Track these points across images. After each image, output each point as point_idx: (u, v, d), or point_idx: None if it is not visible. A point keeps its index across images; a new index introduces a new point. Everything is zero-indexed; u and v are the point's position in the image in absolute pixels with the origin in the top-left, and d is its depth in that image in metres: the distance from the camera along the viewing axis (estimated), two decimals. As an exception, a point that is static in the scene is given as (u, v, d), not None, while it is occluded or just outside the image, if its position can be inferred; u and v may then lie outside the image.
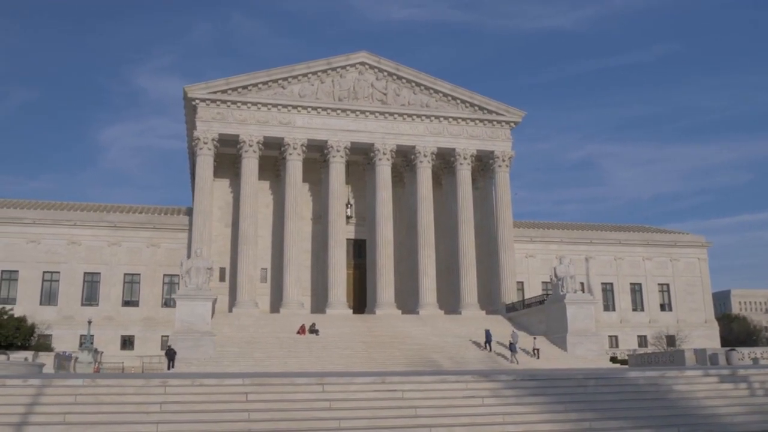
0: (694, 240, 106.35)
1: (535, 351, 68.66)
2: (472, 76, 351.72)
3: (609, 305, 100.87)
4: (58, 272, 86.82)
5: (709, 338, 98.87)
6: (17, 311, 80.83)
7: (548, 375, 31.44)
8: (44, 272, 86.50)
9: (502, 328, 78.20)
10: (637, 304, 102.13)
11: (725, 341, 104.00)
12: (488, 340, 69.55)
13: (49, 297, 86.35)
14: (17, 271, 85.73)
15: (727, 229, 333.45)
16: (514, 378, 30.27)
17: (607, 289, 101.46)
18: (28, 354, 63.80)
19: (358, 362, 63.86)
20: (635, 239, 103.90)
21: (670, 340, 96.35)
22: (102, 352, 79.10)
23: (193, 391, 27.22)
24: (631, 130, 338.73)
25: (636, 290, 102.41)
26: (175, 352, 62.22)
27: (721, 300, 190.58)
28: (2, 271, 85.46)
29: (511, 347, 66.80)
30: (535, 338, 71.59)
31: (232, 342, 68.56)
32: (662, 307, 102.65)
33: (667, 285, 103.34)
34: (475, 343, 72.17)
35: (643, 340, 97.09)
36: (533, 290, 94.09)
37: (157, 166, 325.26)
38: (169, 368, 60.98)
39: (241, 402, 26.40)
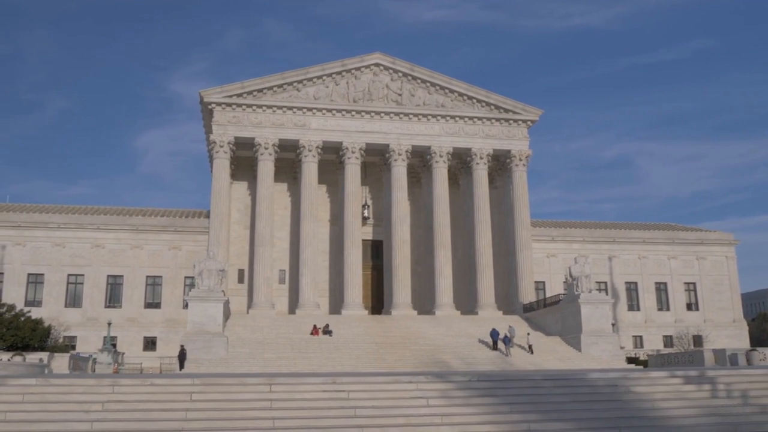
0: (722, 238, 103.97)
1: (529, 347, 68.92)
2: (502, 76, 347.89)
3: (633, 305, 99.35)
4: (83, 275, 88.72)
5: (738, 338, 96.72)
6: (43, 313, 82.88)
7: (506, 376, 31.21)
8: (69, 275, 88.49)
9: (517, 328, 77.82)
10: (663, 304, 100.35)
11: (758, 341, 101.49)
12: (495, 340, 69.36)
13: (73, 299, 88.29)
14: (43, 274, 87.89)
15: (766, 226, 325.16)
16: (469, 379, 30.11)
17: (632, 289, 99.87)
18: (44, 355, 65.23)
19: (367, 363, 63.88)
20: (660, 237, 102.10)
21: (697, 340, 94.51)
22: (123, 354, 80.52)
23: (140, 390, 27.73)
24: (667, 127, 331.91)
25: (661, 289, 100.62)
26: (185, 353, 63.07)
27: (759, 299, 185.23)
28: (28, 274, 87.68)
29: (505, 341, 67.89)
30: (528, 334, 71.89)
31: (244, 343, 69.15)
32: (689, 307, 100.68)
33: (694, 284, 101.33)
34: (487, 343, 71.77)
35: (668, 340, 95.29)
36: (555, 290, 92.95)
37: (190, 170, 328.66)
38: (180, 369, 61.81)
39: (184, 401, 26.81)
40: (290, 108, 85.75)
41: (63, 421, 24.88)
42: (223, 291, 70.74)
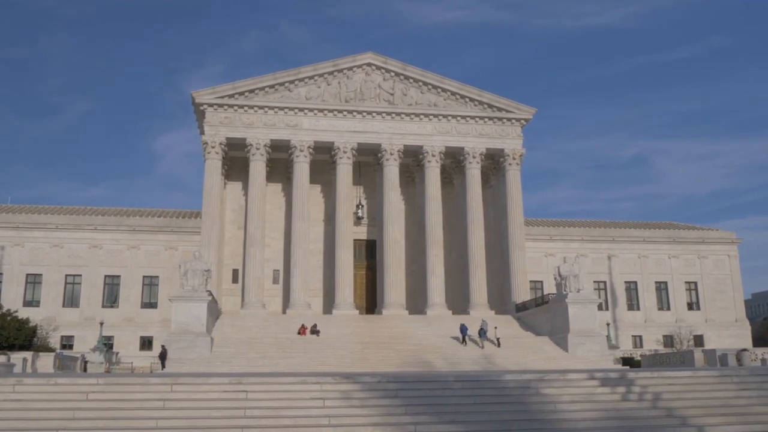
0: (724, 236, 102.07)
1: (497, 340, 69.46)
2: (516, 75, 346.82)
3: (633, 304, 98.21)
4: (80, 275, 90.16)
5: (740, 338, 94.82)
6: (41, 313, 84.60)
7: (419, 377, 30.92)
8: (66, 275, 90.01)
9: (508, 328, 77.56)
10: (663, 303, 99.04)
11: (764, 341, 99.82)
12: (464, 335, 69.99)
13: (71, 299, 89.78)
14: (41, 275, 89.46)
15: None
16: (378, 380, 29.90)
17: (631, 288, 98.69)
18: (28, 354, 66.25)
19: (350, 363, 63.70)
20: (660, 236, 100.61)
21: (698, 339, 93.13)
22: (117, 353, 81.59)
23: (41, 390, 28.02)
24: (684, 125, 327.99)
25: (661, 289, 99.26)
26: (166, 353, 63.58)
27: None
28: (27, 274, 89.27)
29: (481, 333, 69.93)
30: (496, 328, 71.98)
31: (230, 343, 69.44)
32: (690, 306, 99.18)
33: (695, 283, 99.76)
34: (476, 342, 71.41)
35: (668, 340, 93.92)
36: (552, 290, 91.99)
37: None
38: (162, 369, 62.33)
39: (79, 401, 27.04)
40: (282, 108, 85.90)
41: (-50, 421, 25.22)
42: (209, 291, 71.03)
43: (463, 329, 70.47)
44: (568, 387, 30.44)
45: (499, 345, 69.09)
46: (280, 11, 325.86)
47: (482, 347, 68.20)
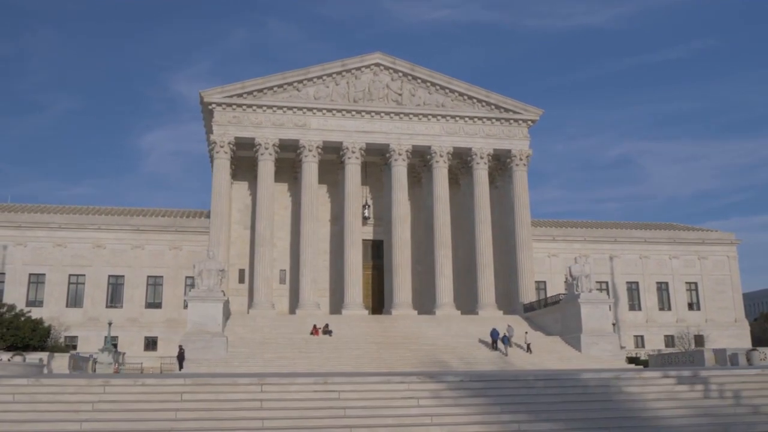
0: (723, 237, 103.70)
1: (527, 346, 69.29)
2: (505, 75, 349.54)
3: (635, 305, 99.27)
4: (84, 275, 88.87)
5: (739, 338, 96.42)
6: (44, 313, 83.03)
7: (498, 376, 31.14)
8: (70, 275, 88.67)
9: (517, 328, 77.86)
10: (664, 303, 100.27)
11: (759, 341, 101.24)
12: (495, 339, 69.53)
13: (75, 299, 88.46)
14: (44, 275, 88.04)
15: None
16: (461, 379, 30.04)
17: (633, 288, 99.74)
18: (44, 355, 65.32)
19: (367, 363, 63.79)
20: (661, 237, 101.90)
21: (699, 339, 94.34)
22: (124, 353, 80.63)
23: (131, 390, 27.78)
24: (670, 127, 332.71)
25: (662, 289, 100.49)
26: (183, 353, 63.05)
27: (761, 299, 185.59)
28: (30, 274, 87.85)
29: (504, 340, 68.63)
30: (526, 333, 72.36)
31: (244, 343, 69.16)
32: (690, 306, 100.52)
33: (695, 284, 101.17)
34: (487, 343, 71.73)
35: (670, 340, 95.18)
36: (556, 290, 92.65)
37: (193, 170, 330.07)
38: (180, 369, 61.82)
39: (175, 402, 26.83)
40: (290, 108, 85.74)
41: (53, 422, 24.97)
42: (222, 291, 70.78)
43: (494, 334, 69.98)
44: (646, 385, 30.80)
45: (530, 351, 68.87)
46: (268, 9, 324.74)
47: (506, 354, 67.57)
